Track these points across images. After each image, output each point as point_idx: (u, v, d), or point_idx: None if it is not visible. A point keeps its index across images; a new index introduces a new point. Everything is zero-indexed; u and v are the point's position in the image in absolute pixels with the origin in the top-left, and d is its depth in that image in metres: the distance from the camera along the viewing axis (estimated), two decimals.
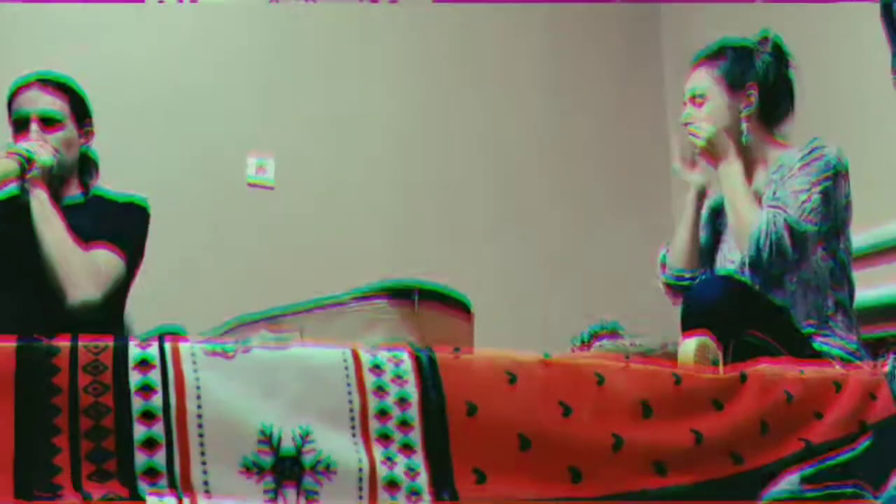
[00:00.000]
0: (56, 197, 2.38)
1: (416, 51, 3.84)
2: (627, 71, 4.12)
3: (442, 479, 1.39)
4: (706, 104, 2.38)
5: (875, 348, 2.34)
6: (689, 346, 1.83)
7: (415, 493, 1.37)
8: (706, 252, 2.52)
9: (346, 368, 1.42)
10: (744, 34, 2.52)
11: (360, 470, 1.35)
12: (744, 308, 2.04)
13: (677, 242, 2.49)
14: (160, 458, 1.28)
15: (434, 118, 3.80)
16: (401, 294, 1.78)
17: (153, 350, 1.35)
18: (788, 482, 1.59)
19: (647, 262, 2.62)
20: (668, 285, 2.53)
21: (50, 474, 1.23)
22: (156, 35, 3.41)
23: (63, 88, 2.47)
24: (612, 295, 3.64)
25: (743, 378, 1.67)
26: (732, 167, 2.31)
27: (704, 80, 2.40)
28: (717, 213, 2.50)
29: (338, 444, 1.36)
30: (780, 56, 2.42)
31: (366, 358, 1.44)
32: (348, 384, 1.40)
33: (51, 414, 1.26)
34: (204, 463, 1.29)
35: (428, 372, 1.45)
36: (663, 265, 2.54)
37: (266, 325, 1.83)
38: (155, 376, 1.32)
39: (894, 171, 3.02)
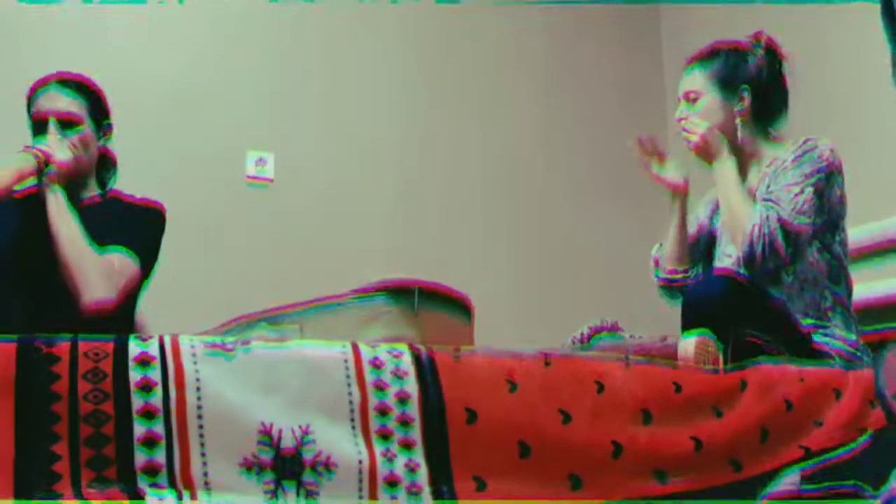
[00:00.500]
0: (73, 197, 2.38)
1: (416, 49, 3.84)
2: (627, 71, 4.11)
3: (441, 476, 1.39)
4: (699, 102, 2.39)
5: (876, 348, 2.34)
6: (689, 343, 1.83)
7: (414, 488, 1.37)
8: (704, 248, 2.52)
9: (346, 363, 1.42)
10: (744, 34, 2.53)
11: (360, 463, 1.35)
12: (743, 306, 2.04)
13: (667, 241, 2.50)
14: (160, 454, 1.28)
15: (434, 117, 3.79)
16: (401, 294, 1.78)
17: (153, 346, 1.34)
18: (788, 482, 1.59)
19: (647, 261, 2.63)
20: (660, 282, 2.53)
21: (50, 481, 1.23)
22: (155, 32, 3.40)
23: (82, 88, 2.47)
24: (613, 294, 3.64)
25: (743, 385, 1.67)
26: (726, 165, 2.31)
27: (698, 78, 2.41)
28: (716, 209, 2.50)
29: (338, 440, 1.35)
30: (772, 54, 2.43)
31: (366, 352, 1.44)
32: (348, 379, 1.40)
33: (51, 421, 1.26)
34: (204, 459, 1.29)
35: (427, 371, 1.45)
36: (656, 262, 2.55)
37: (266, 322, 1.83)
38: (155, 372, 1.32)
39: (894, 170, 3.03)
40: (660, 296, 2.58)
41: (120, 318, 2.34)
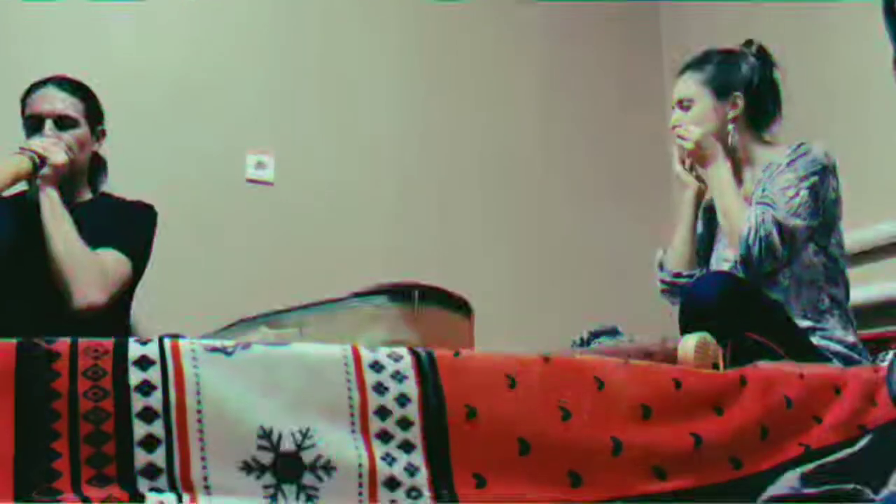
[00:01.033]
0: (66, 197, 2.38)
1: (416, 49, 3.84)
2: (627, 71, 4.12)
3: (441, 478, 1.39)
4: (693, 108, 2.41)
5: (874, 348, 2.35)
6: (688, 344, 1.83)
7: (415, 490, 1.37)
8: (702, 252, 2.53)
9: (346, 365, 1.42)
10: (743, 34, 2.54)
11: (360, 466, 1.35)
12: (742, 306, 2.05)
13: (676, 243, 2.51)
14: (160, 456, 1.28)
15: (434, 117, 3.79)
16: (401, 294, 1.77)
17: (153, 347, 1.34)
18: (788, 481, 1.59)
19: (648, 263, 2.63)
20: (665, 285, 2.54)
21: (50, 479, 1.23)
22: (155, 31, 3.40)
23: (79, 90, 2.48)
24: (612, 294, 3.65)
25: (743, 382, 1.67)
26: (721, 169, 2.34)
27: (691, 85, 2.43)
28: (713, 214, 2.51)
29: (337, 442, 1.35)
30: (765, 60, 2.45)
31: (366, 355, 1.44)
32: (348, 381, 1.40)
33: (50, 419, 1.25)
34: (204, 460, 1.29)
35: (428, 372, 1.45)
36: (661, 266, 2.55)
37: (266, 323, 1.83)
38: (155, 373, 1.31)
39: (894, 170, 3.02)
40: (661, 298, 2.58)
41: (114, 317, 2.35)
